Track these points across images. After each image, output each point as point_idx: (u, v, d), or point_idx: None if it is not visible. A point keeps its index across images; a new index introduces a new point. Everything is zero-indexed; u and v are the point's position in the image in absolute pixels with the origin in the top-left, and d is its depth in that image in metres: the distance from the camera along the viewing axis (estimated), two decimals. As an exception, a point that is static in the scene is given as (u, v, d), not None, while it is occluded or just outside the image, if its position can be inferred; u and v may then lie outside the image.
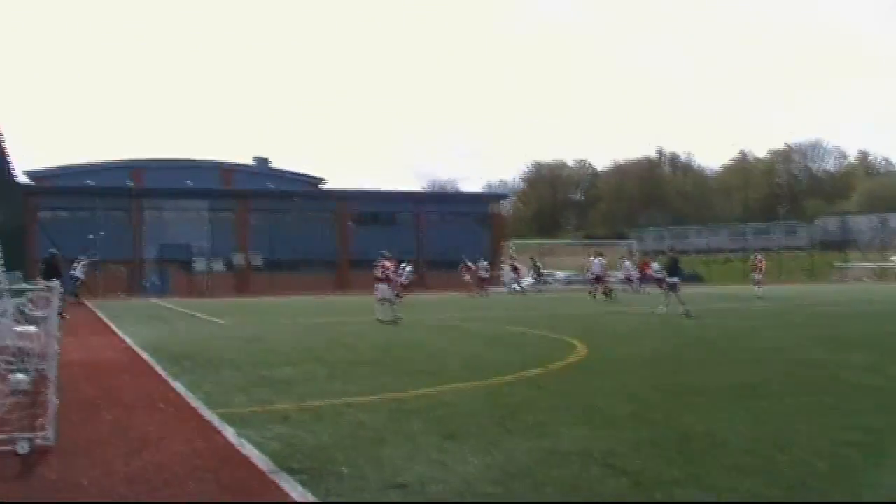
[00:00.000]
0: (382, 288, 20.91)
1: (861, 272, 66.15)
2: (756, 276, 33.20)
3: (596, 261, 34.29)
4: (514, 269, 43.26)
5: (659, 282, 29.91)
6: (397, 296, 25.19)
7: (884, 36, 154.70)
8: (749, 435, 6.18)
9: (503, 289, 43.36)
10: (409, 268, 32.63)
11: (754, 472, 5.09)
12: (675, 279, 22.91)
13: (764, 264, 34.39)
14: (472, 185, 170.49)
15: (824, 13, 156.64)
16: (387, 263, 21.42)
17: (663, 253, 37.34)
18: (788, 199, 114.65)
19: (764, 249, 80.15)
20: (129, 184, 59.76)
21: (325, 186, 74.87)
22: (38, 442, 5.80)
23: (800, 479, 4.92)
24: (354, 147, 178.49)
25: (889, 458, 5.54)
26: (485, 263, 39.52)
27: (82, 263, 33.24)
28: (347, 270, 62.09)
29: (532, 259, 46.87)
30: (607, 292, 32.61)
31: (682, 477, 4.95)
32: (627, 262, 42.32)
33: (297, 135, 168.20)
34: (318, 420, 6.89)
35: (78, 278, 32.72)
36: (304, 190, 69.48)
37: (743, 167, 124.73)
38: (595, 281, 33.59)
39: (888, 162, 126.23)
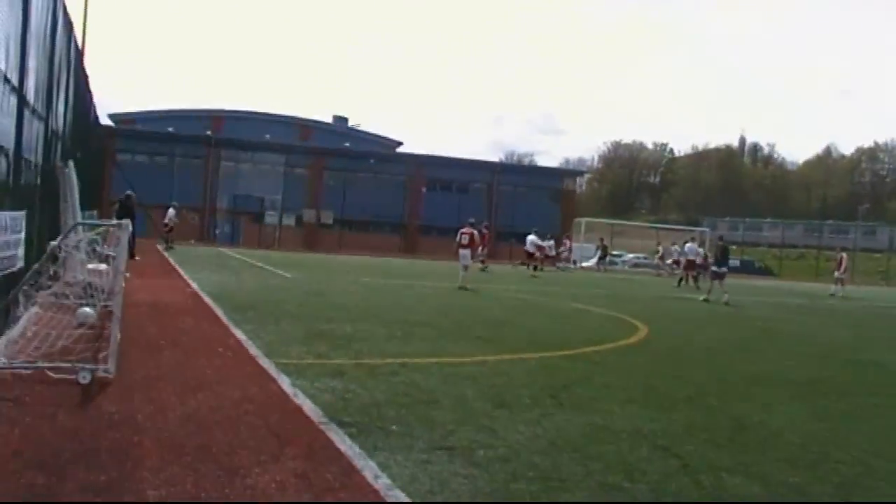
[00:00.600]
0: (465, 254, 21.24)
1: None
2: (838, 275, 32.57)
3: (688, 246, 33.83)
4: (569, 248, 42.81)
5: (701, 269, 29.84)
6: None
7: None
8: (805, 429, 6.05)
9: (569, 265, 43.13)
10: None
11: (806, 466, 5.00)
12: (724, 268, 22.80)
13: (846, 262, 33.61)
14: (549, 160, 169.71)
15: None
16: (473, 230, 21.73)
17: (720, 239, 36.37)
18: (870, 199, 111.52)
19: (841, 249, 78.61)
20: (208, 133, 60.67)
21: (402, 150, 75.11)
22: (100, 374, 5.94)
23: (853, 478, 4.81)
24: (435, 113, 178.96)
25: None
26: (550, 242, 38.97)
27: (174, 212, 34.26)
28: (416, 235, 62.41)
29: (601, 239, 46.40)
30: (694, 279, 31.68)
31: (732, 464, 4.87)
32: (680, 247, 41.19)
33: (379, 96, 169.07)
34: (373, 377, 6.93)
35: (168, 225, 33.87)
36: (380, 151, 69.80)
37: (826, 162, 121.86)
38: (686, 267, 33.13)
39: None
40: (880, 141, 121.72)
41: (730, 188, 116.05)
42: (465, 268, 21.09)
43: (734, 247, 74.16)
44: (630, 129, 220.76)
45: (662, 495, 4.17)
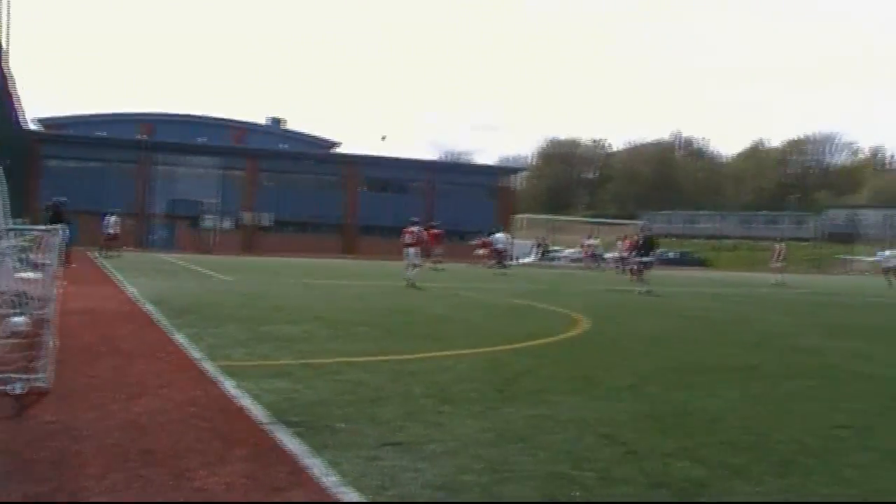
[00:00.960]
0: (411, 252, 21.72)
1: (865, 265, 66.07)
2: (774, 264, 33.71)
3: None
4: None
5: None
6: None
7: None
8: (744, 413, 6.19)
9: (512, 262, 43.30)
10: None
11: (747, 448, 5.10)
12: (649, 258, 23.70)
13: (784, 253, 34.72)
14: (486, 157, 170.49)
15: (850, 13, 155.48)
16: (414, 229, 22.30)
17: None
18: (799, 190, 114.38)
19: (772, 238, 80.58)
20: (141, 137, 59.73)
21: (339, 150, 74.85)
22: (34, 384, 5.81)
23: (790, 457, 4.93)
24: (370, 114, 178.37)
25: (874, 439, 5.57)
26: (501, 236, 38.95)
27: (116, 219, 33.78)
28: (355, 235, 62.23)
29: (540, 238, 46.79)
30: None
31: (676, 449, 4.95)
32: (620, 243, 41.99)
33: (314, 97, 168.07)
34: (318, 377, 6.90)
35: (111, 233, 33.34)
36: (316, 152, 69.44)
37: (756, 155, 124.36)
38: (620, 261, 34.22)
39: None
40: (807, 133, 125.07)
41: (665, 182, 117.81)
42: (414, 266, 21.52)
43: (673, 239, 75.61)
44: (567, 125, 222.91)
45: (609, 481, 4.22)
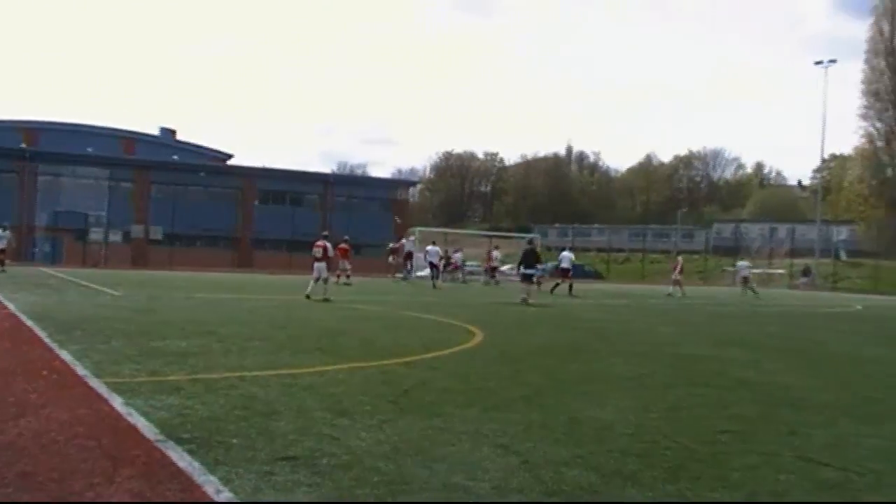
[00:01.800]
0: (320, 267, 21.57)
1: (750, 277, 68.57)
2: (675, 276, 35.10)
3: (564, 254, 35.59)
4: (409, 257, 42.95)
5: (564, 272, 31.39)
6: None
7: (793, 66, 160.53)
8: (635, 421, 6.36)
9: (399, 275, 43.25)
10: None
11: (638, 454, 5.25)
12: (531, 271, 24.30)
13: (681, 266, 36.26)
14: (382, 170, 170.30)
15: (738, 43, 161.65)
16: (326, 244, 22.18)
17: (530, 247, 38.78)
18: (688, 204, 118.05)
19: (663, 251, 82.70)
20: (23, 146, 57.56)
21: (233, 162, 73.67)
22: None
23: (679, 462, 5.11)
24: (265, 125, 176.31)
25: (756, 442, 5.82)
26: (436, 248, 38.80)
27: (8, 233, 32.62)
28: (250, 248, 61.29)
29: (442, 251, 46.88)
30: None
31: (569, 457, 5.06)
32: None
33: (207, 109, 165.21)
34: (210, 392, 6.78)
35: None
36: (209, 164, 68.16)
37: (647, 170, 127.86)
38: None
39: (780, 174, 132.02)
40: (694, 149, 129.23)
41: (559, 195, 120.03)
42: (325, 280, 21.50)
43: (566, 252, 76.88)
44: (461, 139, 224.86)
45: (505, 491, 4.28)
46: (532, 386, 7.94)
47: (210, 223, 59.74)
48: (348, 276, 32.27)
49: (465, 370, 8.94)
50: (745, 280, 38.09)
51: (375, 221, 63.33)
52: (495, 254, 39.01)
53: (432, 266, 35.77)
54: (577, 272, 64.48)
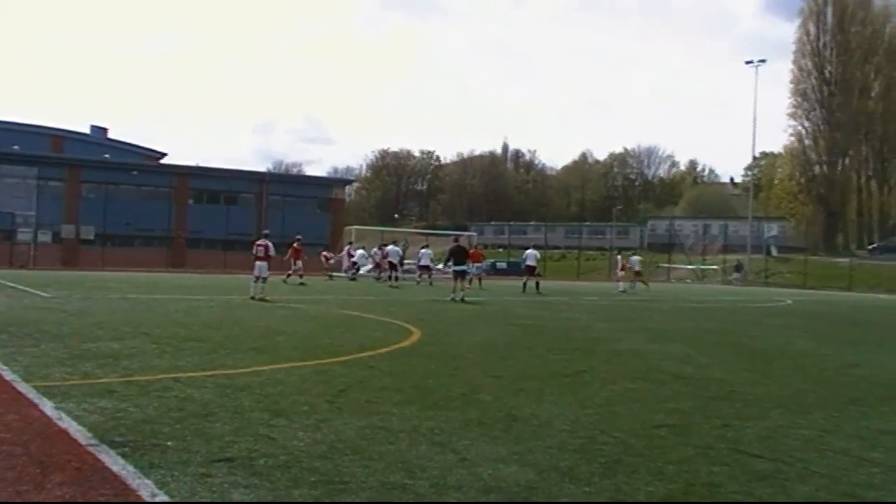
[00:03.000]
0: (261, 266, 21.75)
1: (684, 273, 69.70)
2: (620, 274, 36.74)
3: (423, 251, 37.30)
4: (349, 255, 42.82)
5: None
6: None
7: (725, 65, 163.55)
8: (572, 417, 6.42)
9: (343, 274, 43.09)
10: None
11: (575, 450, 5.31)
12: (461, 267, 24.81)
13: (623, 262, 38.80)
14: (318, 169, 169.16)
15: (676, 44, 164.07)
16: (268, 243, 22.44)
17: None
18: (623, 201, 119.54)
19: (598, 249, 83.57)
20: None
21: (166, 161, 72.58)
22: None
23: (616, 457, 5.17)
24: (198, 123, 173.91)
25: (691, 436, 5.93)
26: (396, 248, 38.80)
27: None
28: (184, 248, 60.33)
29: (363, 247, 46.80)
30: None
31: (507, 454, 5.09)
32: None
33: (140, 106, 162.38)
34: (144, 394, 6.67)
35: None
36: (142, 163, 67.03)
37: (582, 168, 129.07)
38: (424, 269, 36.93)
39: (712, 172, 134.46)
40: (629, 147, 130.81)
41: (495, 193, 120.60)
42: (264, 279, 21.57)
43: (500, 249, 77.27)
44: (397, 137, 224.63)
45: (443, 489, 4.28)
46: (470, 383, 7.98)
47: (143, 222, 58.65)
48: (301, 276, 32.21)
49: (403, 368, 8.95)
50: (638, 274, 39.78)
51: (311, 220, 62.86)
52: (425, 252, 39.04)
53: (392, 266, 36.12)
54: (514, 270, 65.11)
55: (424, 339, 12.31)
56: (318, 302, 21.24)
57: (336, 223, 63.89)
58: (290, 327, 13.74)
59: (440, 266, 39.90)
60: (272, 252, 22.48)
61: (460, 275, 24.53)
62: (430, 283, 35.58)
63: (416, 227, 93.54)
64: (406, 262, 43.67)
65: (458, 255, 25.21)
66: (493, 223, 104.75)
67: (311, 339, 11.74)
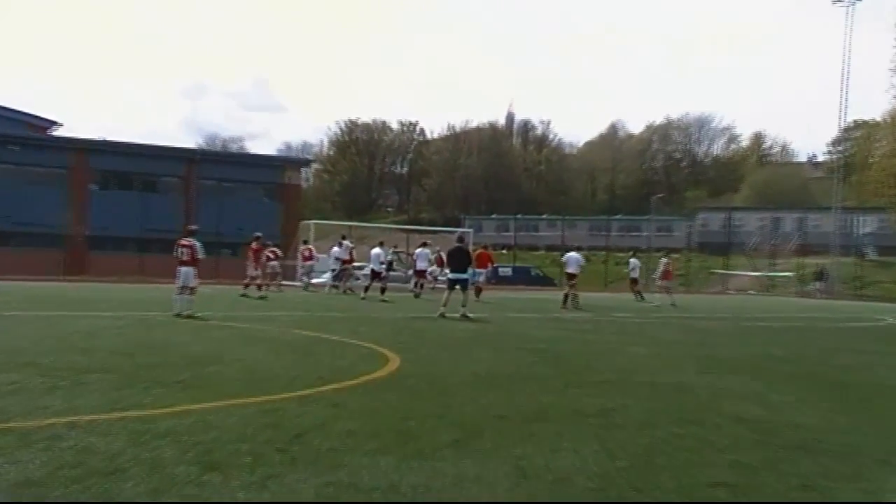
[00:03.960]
0: (186, 273, 21.74)
1: (747, 282, 69.54)
2: (660, 282, 36.43)
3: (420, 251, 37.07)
4: (309, 258, 42.83)
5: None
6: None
7: (804, 7, 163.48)
8: (599, 472, 6.41)
9: (298, 282, 43.09)
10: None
11: (603, 515, 5.26)
12: (463, 276, 24.74)
13: (666, 266, 37.61)
14: (265, 145, 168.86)
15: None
16: (194, 242, 22.21)
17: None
18: (665, 188, 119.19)
19: (632, 250, 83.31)
20: None
21: (59, 133, 72.28)
22: None
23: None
24: (107, 85, 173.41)
25: (760, 496, 5.92)
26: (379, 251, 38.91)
27: None
28: (85, 249, 60.04)
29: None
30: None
31: (513, 520, 5.06)
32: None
33: (25, 63, 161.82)
34: (27, 445, 6.61)
35: None
36: (26, 135, 66.68)
37: (611, 144, 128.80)
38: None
39: (785, 148, 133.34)
40: (673, 116, 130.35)
41: (496, 178, 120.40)
42: (189, 290, 21.61)
43: (503, 251, 77.28)
44: (369, 105, 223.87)
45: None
46: (465, 426, 7.95)
47: (28, 215, 58.11)
48: (260, 287, 32.36)
49: (378, 406, 8.91)
50: (634, 282, 39.55)
51: (256, 213, 62.70)
52: (423, 251, 39.09)
53: (374, 274, 36.14)
54: (522, 277, 65.23)
55: (405, 367, 12.29)
56: (267, 320, 21.19)
57: (289, 216, 63.72)
58: (228, 353, 13.67)
59: (429, 270, 39.88)
60: (200, 254, 22.32)
61: (459, 285, 24.51)
62: (417, 296, 35.67)
63: (394, 222, 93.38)
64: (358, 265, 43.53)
65: (460, 258, 25.02)
66: (494, 216, 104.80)
67: (256, 369, 11.71)
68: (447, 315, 23.18)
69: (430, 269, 39.87)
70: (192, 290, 21.73)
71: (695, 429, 8.37)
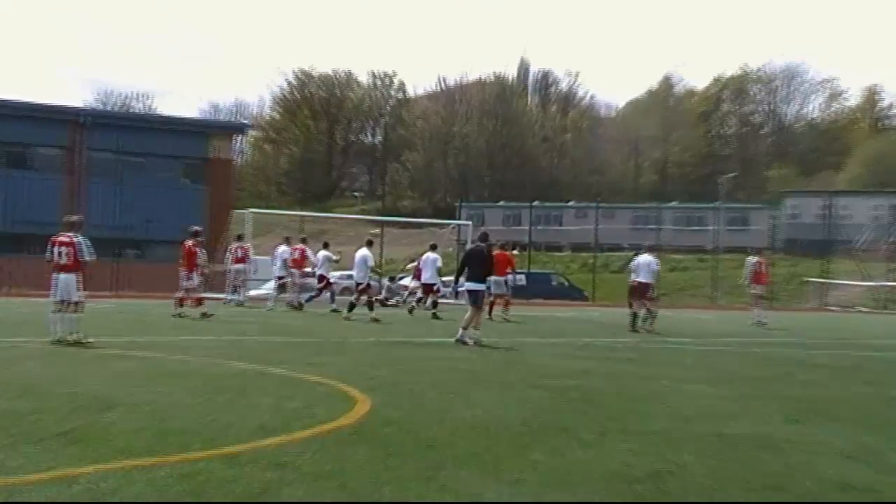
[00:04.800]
0: (66, 281, 21.34)
1: (855, 295, 69.27)
2: (755, 290, 36.52)
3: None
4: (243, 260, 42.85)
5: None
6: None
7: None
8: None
9: (225, 296, 43.07)
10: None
11: None
12: (481, 286, 25.04)
13: (766, 269, 37.71)
14: (181, 106, 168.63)
15: None
16: (77, 239, 21.69)
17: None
18: (738, 163, 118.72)
19: (693, 250, 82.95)
20: None
21: None
22: None
23: None
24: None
25: None
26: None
27: None
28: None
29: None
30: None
31: None
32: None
33: None
34: None
35: None
36: None
37: (664, 104, 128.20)
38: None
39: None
40: (751, 66, 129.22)
41: (505, 151, 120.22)
42: (73, 306, 21.33)
43: (514, 252, 77.32)
44: (327, 49, 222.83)
45: None
46: (460, 495, 7.95)
47: None
48: (200, 302, 32.56)
49: (340, 467, 8.89)
50: (652, 300, 37.38)
51: (171, 198, 62.66)
52: (432, 257, 39.31)
53: (324, 283, 36.46)
54: (540, 287, 65.02)
55: (379, 412, 12.29)
56: (187, 347, 21.19)
57: (217, 203, 63.58)
58: (131, 394, 13.65)
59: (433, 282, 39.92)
60: (87, 255, 21.74)
61: (474, 299, 24.71)
62: (410, 311, 36.07)
63: (363, 211, 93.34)
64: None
65: (482, 264, 25.22)
66: (501, 204, 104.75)
67: (170, 416, 11.68)
68: (467, 341, 23.48)
69: (412, 283, 40.14)
70: (77, 305, 21.43)
71: (777, 497, 8.35)
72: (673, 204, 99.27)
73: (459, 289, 27.49)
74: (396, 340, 24.66)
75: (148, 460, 8.86)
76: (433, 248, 39.61)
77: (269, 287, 42.12)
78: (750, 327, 34.67)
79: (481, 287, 24.79)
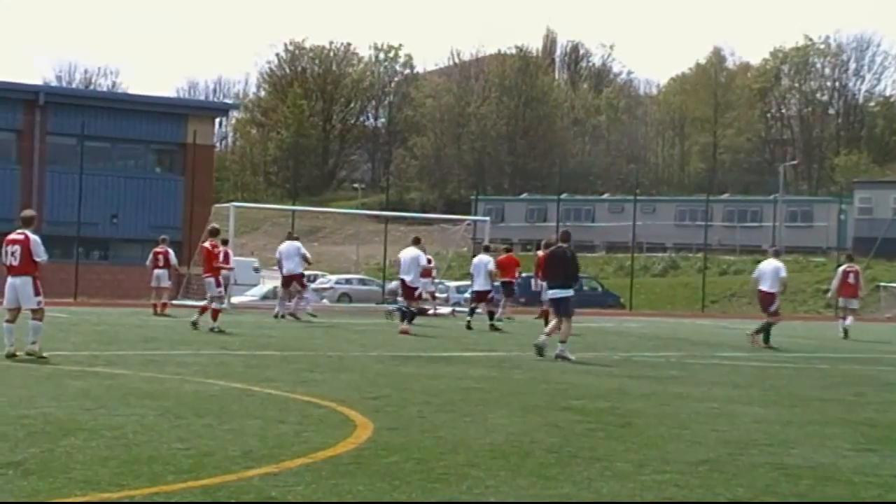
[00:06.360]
0: (16, 286, 21.27)
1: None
2: (843, 300, 36.85)
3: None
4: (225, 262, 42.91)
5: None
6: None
7: None
8: None
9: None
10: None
11: None
12: (567, 292, 25.21)
13: (856, 279, 37.85)
14: (155, 84, 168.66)
15: None
16: (29, 236, 21.47)
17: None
18: (801, 149, 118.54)
19: (748, 251, 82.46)
20: None
21: None
22: None
23: None
24: None
25: None
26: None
27: None
28: None
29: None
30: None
31: None
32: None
33: None
34: None
35: None
36: None
37: (714, 82, 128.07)
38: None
39: None
40: (815, 37, 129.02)
41: (528, 136, 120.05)
42: (35, 314, 21.25)
43: (537, 252, 77.39)
44: (323, 21, 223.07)
45: None
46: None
47: None
48: (203, 310, 32.26)
49: (336, 502, 8.87)
50: (775, 314, 37.09)
51: (143, 190, 62.68)
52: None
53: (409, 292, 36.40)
54: (581, 296, 64.84)
55: (382, 437, 12.32)
56: (161, 362, 21.20)
57: (198, 195, 63.46)
58: (96, 417, 13.69)
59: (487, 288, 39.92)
60: (41, 256, 21.50)
61: (560, 307, 25.17)
62: (468, 325, 36.46)
63: (364, 206, 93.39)
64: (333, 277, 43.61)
65: (564, 267, 25.44)
66: (524, 197, 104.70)
67: (140, 443, 11.68)
68: (566, 356, 23.74)
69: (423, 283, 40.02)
70: (36, 313, 21.30)
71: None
72: (724, 197, 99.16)
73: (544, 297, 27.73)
74: (403, 355, 24.67)
75: (114, 494, 8.86)
76: (416, 241, 38.85)
77: (253, 293, 42.19)
78: (840, 340, 34.59)
79: (566, 293, 25.05)
